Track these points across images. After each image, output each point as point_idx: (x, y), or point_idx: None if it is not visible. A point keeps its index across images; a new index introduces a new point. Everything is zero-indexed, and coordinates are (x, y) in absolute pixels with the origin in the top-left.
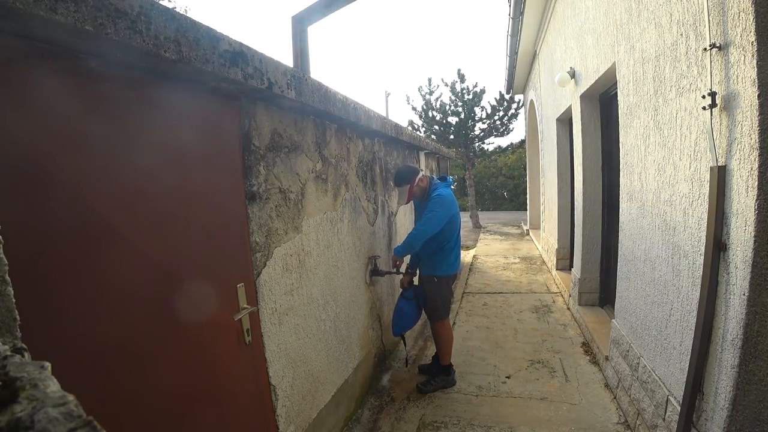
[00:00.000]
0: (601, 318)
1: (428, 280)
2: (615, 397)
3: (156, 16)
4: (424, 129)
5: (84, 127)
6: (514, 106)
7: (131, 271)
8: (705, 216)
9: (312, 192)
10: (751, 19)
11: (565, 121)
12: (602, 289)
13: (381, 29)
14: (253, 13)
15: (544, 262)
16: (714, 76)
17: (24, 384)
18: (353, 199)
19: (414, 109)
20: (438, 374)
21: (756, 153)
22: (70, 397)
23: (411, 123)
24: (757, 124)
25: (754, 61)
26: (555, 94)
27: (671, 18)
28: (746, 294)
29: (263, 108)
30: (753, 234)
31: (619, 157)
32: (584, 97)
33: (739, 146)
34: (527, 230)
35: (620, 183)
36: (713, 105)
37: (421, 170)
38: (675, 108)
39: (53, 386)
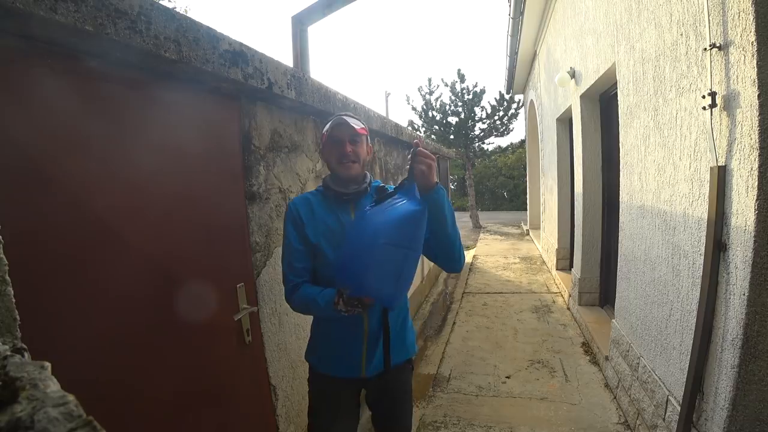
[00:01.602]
0: (601, 318)
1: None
2: (615, 397)
3: (156, 16)
4: (424, 129)
5: (84, 127)
6: (514, 106)
7: (131, 270)
8: (705, 216)
9: None
10: (751, 19)
11: (565, 121)
12: (602, 289)
13: (381, 29)
14: (253, 13)
15: (544, 262)
16: (714, 76)
17: (24, 384)
18: None
19: (414, 109)
20: None
21: (756, 153)
22: (70, 397)
23: (411, 123)
24: (757, 124)
25: (754, 61)
26: (555, 94)
27: (671, 18)
28: (746, 294)
29: (263, 108)
30: (753, 234)
31: (619, 157)
32: (584, 97)
33: (739, 146)
34: (527, 230)
35: (620, 183)
36: (713, 105)
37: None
38: (675, 108)
39: (53, 386)
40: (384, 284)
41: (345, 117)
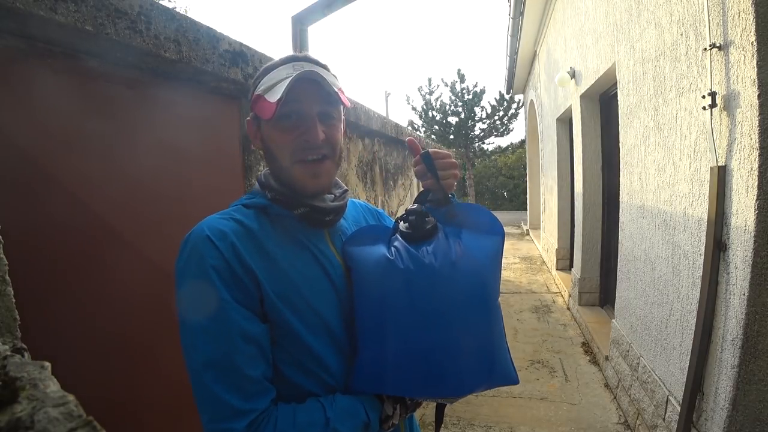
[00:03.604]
0: (601, 318)
1: None
2: (615, 397)
3: (156, 16)
4: (424, 129)
5: (84, 127)
6: (514, 106)
7: (131, 271)
8: (705, 216)
9: None
10: (751, 19)
11: (565, 121)
12: (602, 289)
13: (381, 29)
14: (253, 13)
15: (544, 262)
16: (714, 76)
17: (24, 384)
18: None
19: (414, 109)
20: None
21: (756, 153)
22: (70, 397)
23: (411, 123)
24: (757, 124)
25: (754, 61)
26: (555, 94)
27: (671, 18)
28: (746, 294)
29: None
30: (753, 234)
31: (619, 157)
32: (584, 97)
33: (739, 146)
34: (527, 230)
35: (620, 183)
36: (713, 105)
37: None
38: (675, 108)
39: (53, 386)
40: (499, 362)
41: (311, 66)
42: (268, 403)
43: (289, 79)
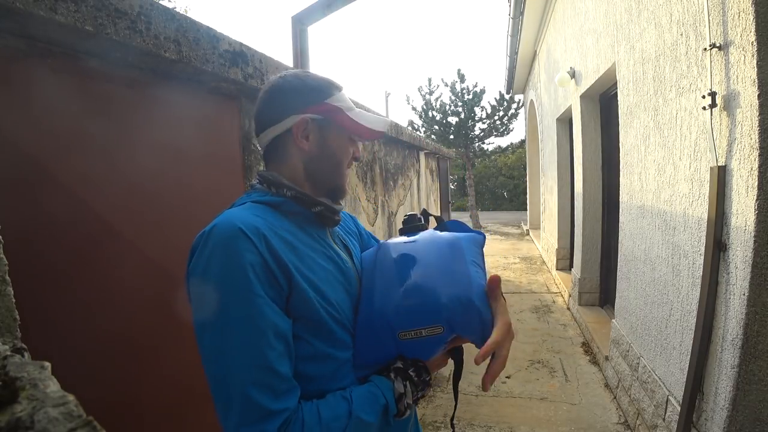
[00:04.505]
0: (601, 318)
1: None
2: (615, 397)
3: (156, 16)
4: (424, 129)
5: (84, 127)
6: (514, 106)
7: (131, 271)
8: (705, 216)
9: None
10: (751, 19)
11: (565, 121)
12: (602, 289)
13: (381, 29)
14: (253, 13)
15: (544, 262)
16: (714, 76)
17: (24, 384)
18: (353, 200)
19: (414, 109)
20: None
21: (756, 153)
22: (70, 397)
23: (411, 123)
24: (757, 124)
25: (754, 61)
26: (555, 94)
27: (671, 18)
28: (746, 294)
29: None
30: (753, 234)
31: (619, 157)
32: (584, 97)
33: (739, 146)
34: (527, 230)
35: (620, 183)
36: (713, 105)
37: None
38: (675, 108)
39: (53, 386)
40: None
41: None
42: (297, 402)
43: (383, 120)
